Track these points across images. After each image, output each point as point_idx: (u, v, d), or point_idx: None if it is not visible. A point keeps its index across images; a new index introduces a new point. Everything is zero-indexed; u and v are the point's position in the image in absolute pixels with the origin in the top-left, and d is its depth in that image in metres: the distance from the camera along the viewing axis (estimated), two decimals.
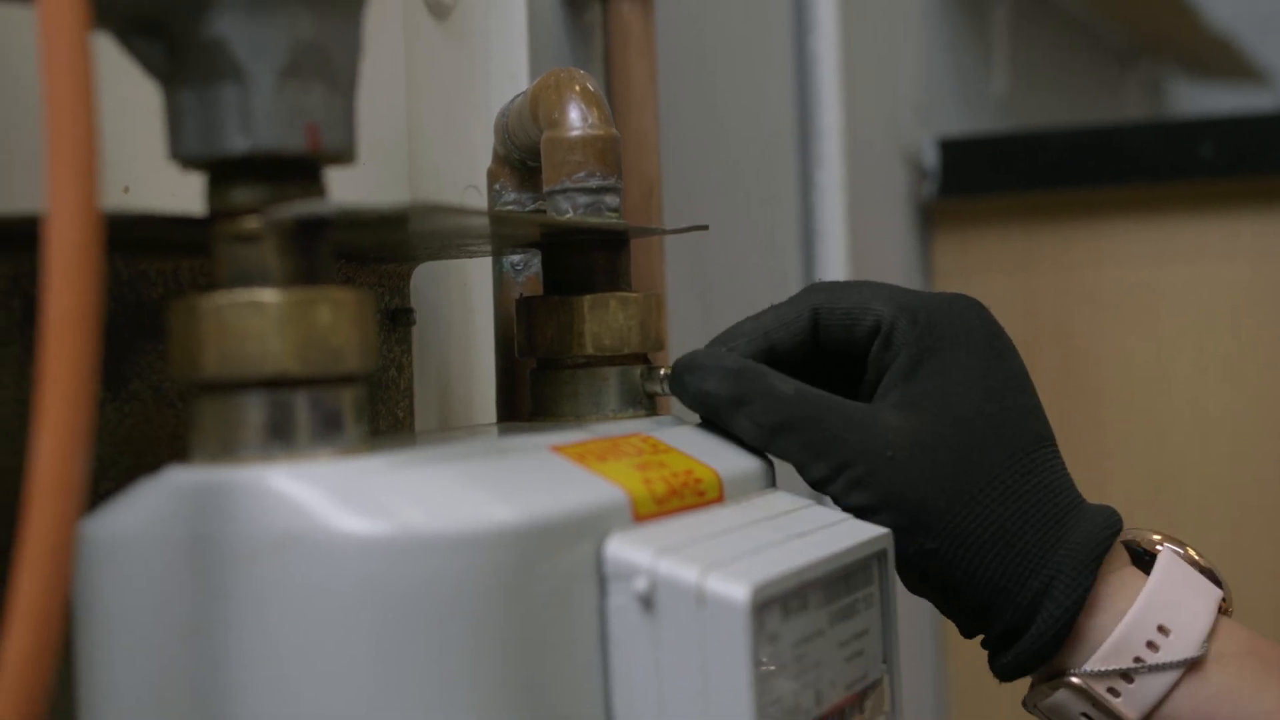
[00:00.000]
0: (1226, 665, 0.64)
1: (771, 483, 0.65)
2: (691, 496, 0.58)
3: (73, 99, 0.42)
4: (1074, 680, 0.65)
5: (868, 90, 1.57)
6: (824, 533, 0.60)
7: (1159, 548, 0.67)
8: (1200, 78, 3.30)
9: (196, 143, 0.50)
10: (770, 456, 0.65)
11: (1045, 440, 0.67)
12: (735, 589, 0.50)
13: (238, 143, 0.49)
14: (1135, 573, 0.66)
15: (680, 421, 0.67)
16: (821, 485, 0.64)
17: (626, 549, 0.52)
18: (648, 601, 0.51)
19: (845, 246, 1.43)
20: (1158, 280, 1.69)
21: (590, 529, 0.52)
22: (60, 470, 0.41)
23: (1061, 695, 0.65)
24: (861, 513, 0.63)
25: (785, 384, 0.65)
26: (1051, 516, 0.65)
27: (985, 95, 2.06)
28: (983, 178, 1.74)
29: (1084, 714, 0.65)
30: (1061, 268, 1.72)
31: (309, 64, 0.49)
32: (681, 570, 0.51)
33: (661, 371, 0.67)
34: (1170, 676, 0.64)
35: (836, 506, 0.64)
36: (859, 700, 0.59)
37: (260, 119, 0.49)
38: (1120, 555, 0.66)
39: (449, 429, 0.79)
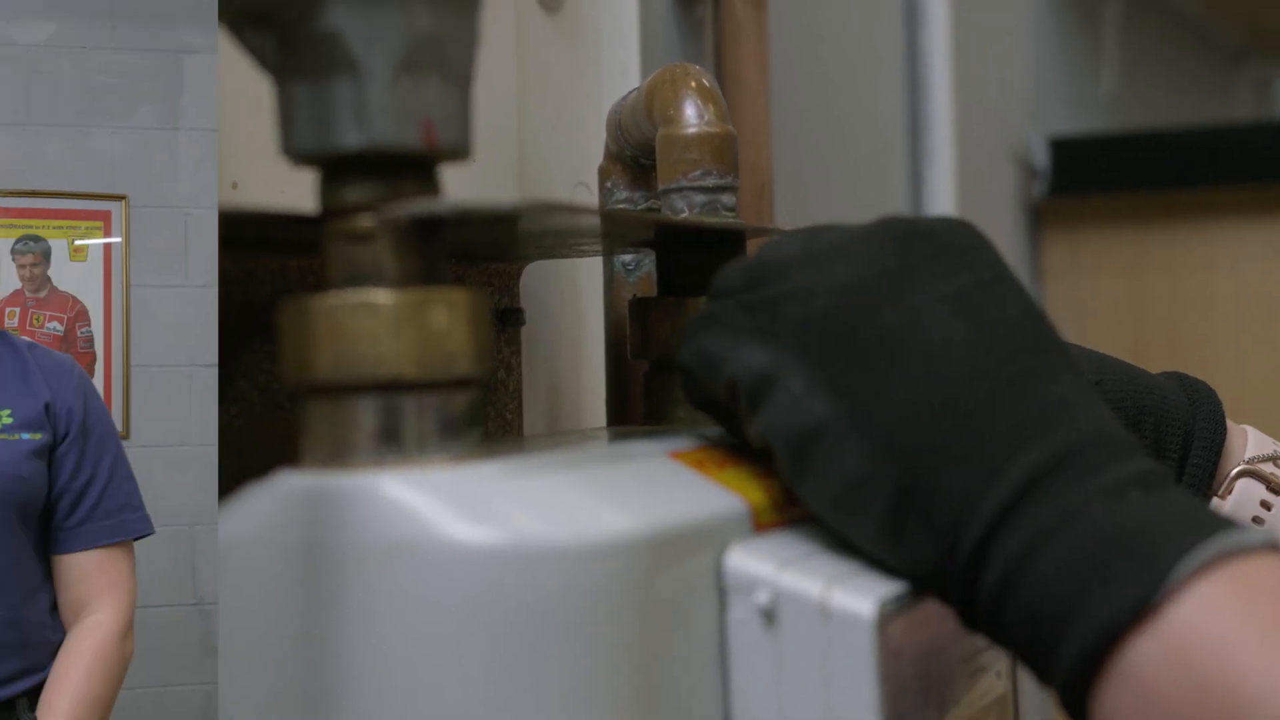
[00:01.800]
0: None
1: None
2: None
3: None
4: (1245, 467, 0.72)
5: (978, 86, 1.54)
6: None
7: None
8: None
9: (309, 138, 0.48)
10: None
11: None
12: (861, 604, 0.49)
13: (352, 138, 0.47)
14: None
15: None
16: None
17: (748, 560, 0.50)
18: (770, 615, 0.49)
19: None
20: (1272, 284, 1.65)
21: (710, 539, 0.50)
22: None
23: (1241, 485, 0.72)
24: None
25: None
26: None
27: (1094, 93, 2.03)
28: (1094, 177, 1.70)
29: (1262, 502, 0.72)
30: (1173, 271, 1.69)
31: (425, 58, 0.48)
32: (805, 584, 0.49)
33: None
34: None
35: None
36: (983, 717, 0.58)
37: (375, 114, 0.47)
38: None
39: (559, 433, 0.78)
